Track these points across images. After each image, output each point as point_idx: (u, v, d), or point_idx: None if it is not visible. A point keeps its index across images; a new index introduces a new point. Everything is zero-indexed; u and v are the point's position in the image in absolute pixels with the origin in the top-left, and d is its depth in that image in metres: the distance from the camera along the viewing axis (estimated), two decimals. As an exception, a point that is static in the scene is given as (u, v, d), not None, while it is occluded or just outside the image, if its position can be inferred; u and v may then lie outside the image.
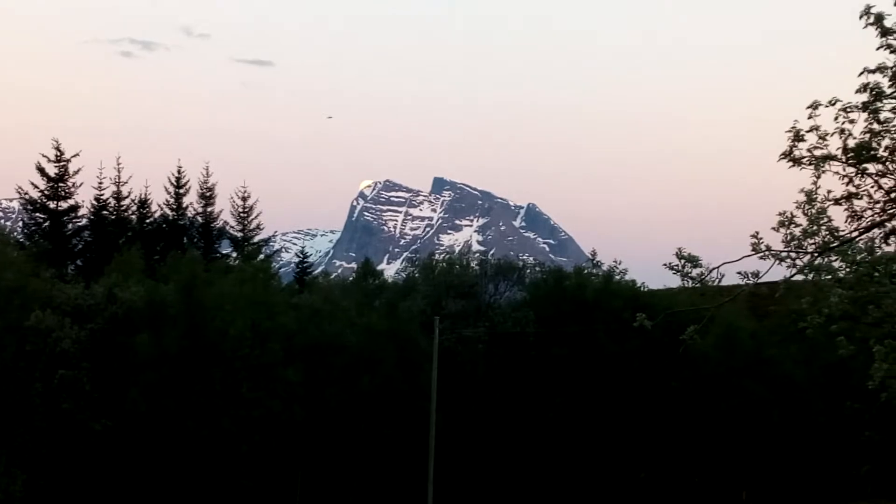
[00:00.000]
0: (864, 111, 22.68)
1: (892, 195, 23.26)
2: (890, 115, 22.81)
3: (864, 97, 22.74)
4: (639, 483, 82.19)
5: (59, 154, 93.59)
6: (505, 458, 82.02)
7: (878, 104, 22.69)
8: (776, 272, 23.43)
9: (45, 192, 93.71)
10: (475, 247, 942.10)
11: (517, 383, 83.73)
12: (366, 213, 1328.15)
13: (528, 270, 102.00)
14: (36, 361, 69.34)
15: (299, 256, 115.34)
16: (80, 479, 69.15)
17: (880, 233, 23.52)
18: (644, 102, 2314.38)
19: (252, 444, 71.24)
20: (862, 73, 22.79)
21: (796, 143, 23.08)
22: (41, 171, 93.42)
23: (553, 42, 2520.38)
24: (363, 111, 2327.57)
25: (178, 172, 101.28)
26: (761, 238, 23.01)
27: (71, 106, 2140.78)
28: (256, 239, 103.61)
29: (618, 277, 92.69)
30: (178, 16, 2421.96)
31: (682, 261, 23.47)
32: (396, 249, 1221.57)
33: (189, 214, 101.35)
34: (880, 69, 22.65)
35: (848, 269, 23.39)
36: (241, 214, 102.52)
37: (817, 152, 23.02)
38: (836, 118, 22.88)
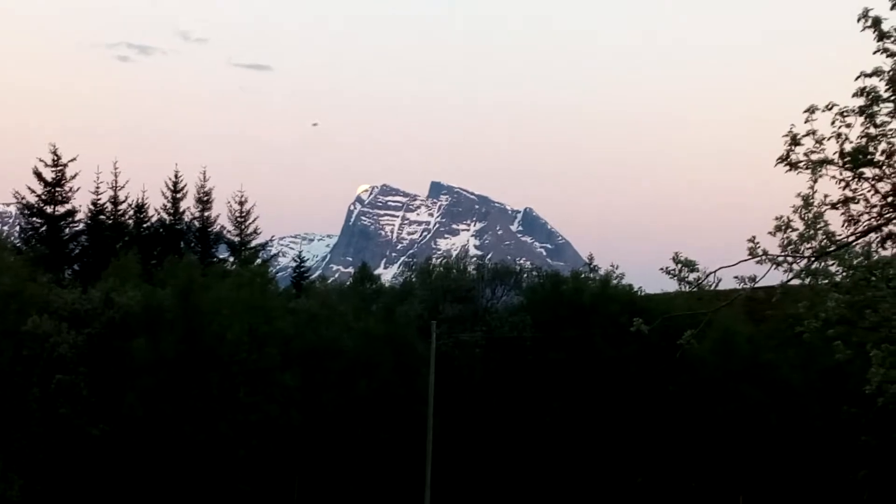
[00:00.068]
0: (860, 115, 22.70)
1: (889, 199, 23.28)
2: (886, 119, 22.84)
3: (861, 101, 22.77)
4: (636, 488, 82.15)
5: (56, 158, 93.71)
6: (502, 463, 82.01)
7: (875, 108, 22.71)
8: (773, 276, 23.48)
9: (42, 196, 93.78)
10: (472, 251, 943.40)
11: (514, 388, 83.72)
12: (363, 218, 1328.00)
13: (525, 275, 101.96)
14: (33, 366, 69.36)
15: (296, 261, 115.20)
16: (78, 483, 69.14)
17: (877, 237, 23.54)
18: (641, 106, 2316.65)
19: (249, 448, 71.20)
20: (859, 77, 22.82)
21: (793, 148, 23.11)
22: (38, 175, 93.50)
23: (550, 45, 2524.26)
24: (360, 116, 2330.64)
25: (176, 177, 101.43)
26: (758, 242, 23.04)
27: (68, 110, 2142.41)
28: (253, 243, 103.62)
29: (615, 282, 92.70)
30: (175, 20, 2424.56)
31: (679, 265, 23.50)
32: (393, 254, 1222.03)
33: (186, 219, 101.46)
34: (877, 73, 22.68)
35: (845, 274, 23.43)
36: (239, 219, 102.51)
37: (814, 156, 23.04)
38: (832, 122, 22.91)
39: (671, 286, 25.38)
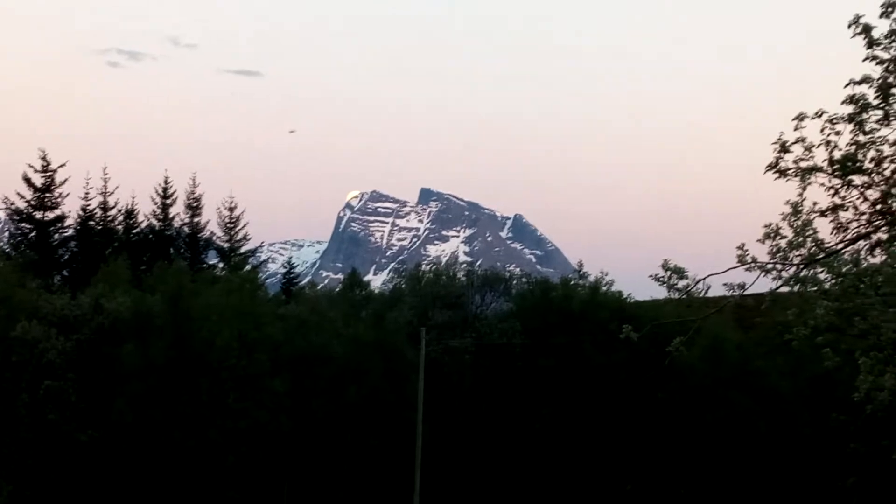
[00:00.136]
0: (850, 123, 22.77)
1: (878, 207, 23.33)
2: (875, 126, 22.90)
3: (851, 109, 22.84)
4: (625, 495, 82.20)
5: (45, 164, 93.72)
6: (491, 470, 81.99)
7: (864, 116, 22.77)
8: (762, 284, 23.52)
9: (32, 202, 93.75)
10: (462, 258, 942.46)
11: (504, 394, 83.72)
12: (353, 224, 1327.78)
13: (515, 281, 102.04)
14: (22, 372, 69.28)
15: (286, 267, 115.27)
16: (67, 490, 69.05)
17: (866, 245, 23.58)
18: (632, 113, 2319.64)
19: (239, 454, 71.16)
20: (848, 85, 22.89)
21: (782, 155, 23.16)
22: (27, 181, 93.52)
23: (539, 53, 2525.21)
24: (350, 122, 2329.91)
25: (165, 183, 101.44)
26: (747, 250, 23.09)
27: (58, 116, 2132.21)
28: (243, 249, 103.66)
29: (604, 289, 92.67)
30: (165, 26, 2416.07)
31: (669, 272, 23.56)
32: (383, 260, 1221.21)
33: (176, 225, 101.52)
34: (866, 80, 22.74)
35: (834, 281, 23.49)
36: (228, 225, 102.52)
37: (803, 164, 23.09)
38: (822, 130, 22.97)
39: (661, 293, 25.48)
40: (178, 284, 75.40)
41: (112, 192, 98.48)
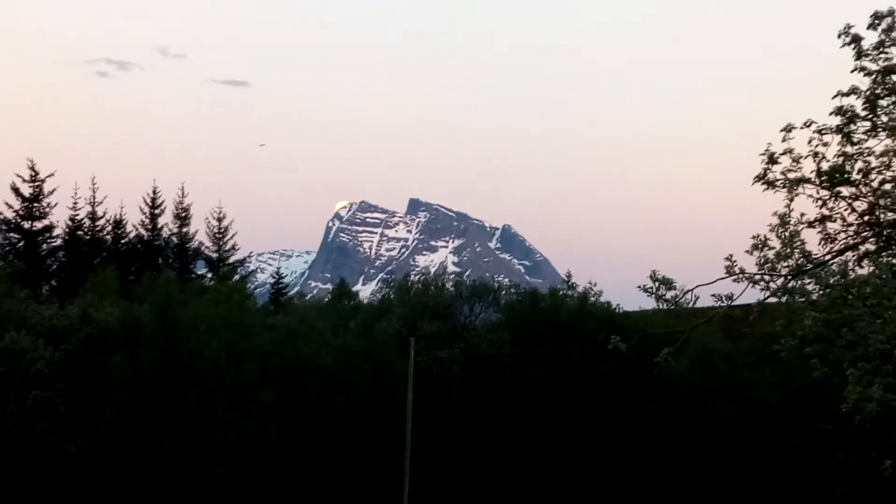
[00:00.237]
0: (837, 134, 22.85)
1: (866, 218, 23.42)
2: (863, 137, 22.99)
3: (838, 120, 22.92)
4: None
5: (33, 174, 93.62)
6: (480, 480, 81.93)
7: (852, 127, 22.86)
8: (750, 294, 23.54)
9: (20, 211, 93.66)
10: (451, 268, 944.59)
11: (492, 405, 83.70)
12: (341, 234, 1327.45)
13: (504, 292, 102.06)
14: (10, 382, 69.13)
15: (274, 277, 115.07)
16: (55, 501, 68.88)
17: (854, 255, 23.66)
18: (620, 125, 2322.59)
19: (227, 465, 71.04)
20: (836, 96, 22.97)
21: (770, 166, 23.23)
22: (16, 190, 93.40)
23: (528, 64, 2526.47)
24: (339, 132, 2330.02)
25: (154, 193, 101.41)
26: (735, 261, 23.12)
27: (46, 126, 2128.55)
28: (232, 259, 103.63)
29: (593, 299, 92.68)
30: (153, 36, 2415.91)
31: (657, 283, 23.55)
32: (372, 270, 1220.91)
33: (164, 235, 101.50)
34: (854, 92, 22.83)
35: (821, 292, 23.49)
36: (217, 235, 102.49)
37: (791, 175, 23.16)
38: (809, 141, 23.05)
39: (649, 304, 25.44)
40: (166, 295, 75.33)
41: (100, 202, 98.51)
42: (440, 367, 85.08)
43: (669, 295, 23.45)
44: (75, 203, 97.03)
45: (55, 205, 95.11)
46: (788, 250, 23.09)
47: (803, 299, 23.65)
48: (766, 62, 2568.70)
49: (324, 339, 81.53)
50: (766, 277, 23.23)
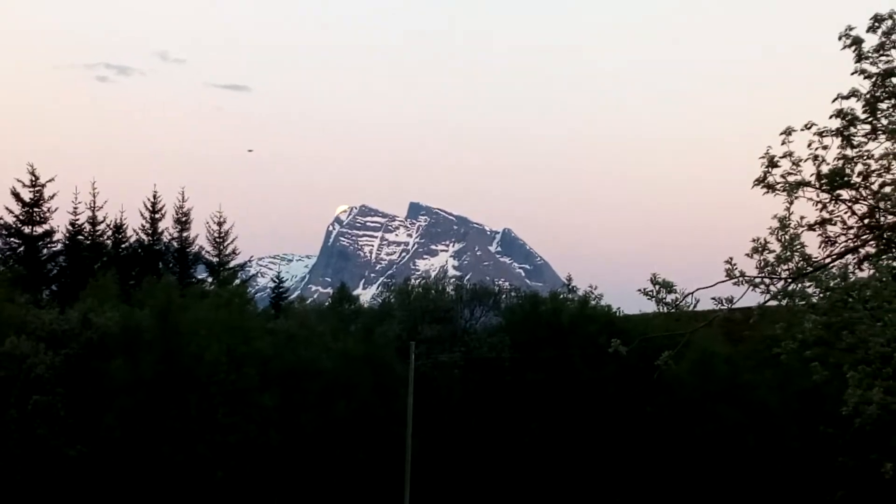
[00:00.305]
0: (837, 137, 22.83)
1: (866, 221, 23.42)
2: (863, 140, 22.97)
3: (838, 123, 22.91)
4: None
5: (34, 179, 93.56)
6: (481, 484, 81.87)
7: (852, 130, 22.85)
8: (750, 298, 23.54)
9: (20, 216, 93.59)
10: (451, 272, 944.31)
11: (493, 409, 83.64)
12: (342, 238, 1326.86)
13: (504, 295, 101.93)
14: (10, 387, 69.06)
15: (275, 281, 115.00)
16: (55, 505, 68.84)
17: (854, 259, 23.67)
18: (620, 128, 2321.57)
19: (228, 469, 70.97)
20: (836, 100, 22.96)
21: (770, 170, 23.22)
22: (16, 195, 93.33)
23: (528, 64, 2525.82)
24: (338, 136, 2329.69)
25: (154, 197, 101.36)
26: (735, 264, 23.11)
27: (46, 130, 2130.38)
28: (232, 264, 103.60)
29: (593, 303, 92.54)
30: (153, 41, 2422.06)
31: (657, 286, 23.53)
32: (372, 274, 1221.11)
33: (164, 239, 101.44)
34: (854, 94, 22.82)
35: (822, 295, 23.47)
36: (217, 239, 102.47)
37: (791, 178, 23.15)
38: (809, 144, 23.04)
39: (649, 307, 25.41)
40: (166, 299, 75.27)
41: (101, 207, 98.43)
42: (441, 370, 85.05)
43: (670, 298, 23.45)
44: (75, 208, 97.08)
45: (55, 209, 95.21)
46: (788, 253, 23.08)
47: (803, 302, 23.64)
48: (766, 62, 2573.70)
49: (324, 344, 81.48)
50: (767, 280, 23.23)
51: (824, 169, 23.17)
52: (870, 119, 22.95)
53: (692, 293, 23.28)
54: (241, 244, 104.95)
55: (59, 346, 72.55)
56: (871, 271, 23.27)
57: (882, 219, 23.33)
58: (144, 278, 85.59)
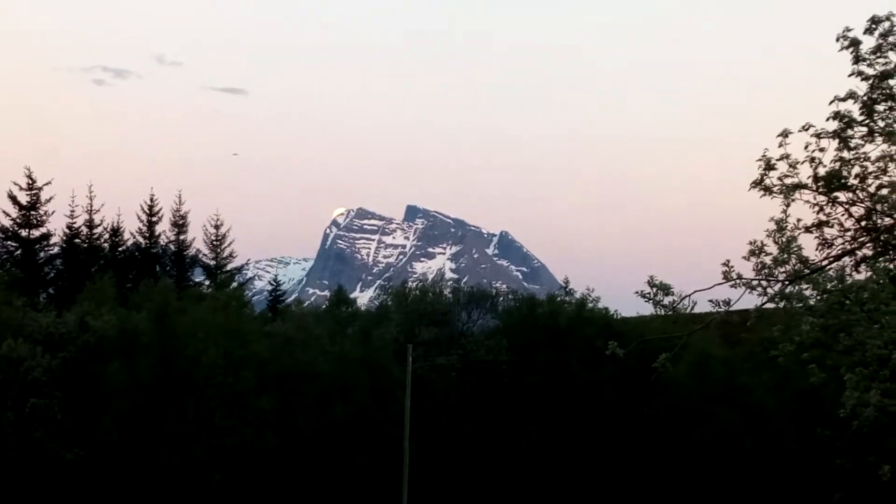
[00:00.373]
0: (834, 139, 22.81)
1: (863, 223, 23.40)
2: (860, 142, 22.96)
3: (835, 125, 22.90)
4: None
5: (30, 182, 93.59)
6: (478, 487, 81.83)
7: (849, 132, 22.84)
8: (748, 300, 23.54)
9: (17, 220, 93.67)
10: (448, 274, 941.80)
11: (490, 411, 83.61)
12: (339, 241, 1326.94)
13: (501, 298, 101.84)
14: (7, 390, 69.07)
15: (272, 284, 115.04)
16: (52, 508, 68.79)
17: (851, 261, 23.65)
18: (617, 130, 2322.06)
19: (225, 472, 70.93)
20: (833, 102, 22.94)
21: (767, 172, 23.21)
22: (13, 199, 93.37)
23: (528, 67, 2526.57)
24: (336, 139, 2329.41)
25: (151, 200, 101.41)
26: (732, 266, 23.11)
27: (43, 133, 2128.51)
28: (229, 267, 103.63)
29: (590, 305, 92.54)
30: (150, 44, 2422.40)
31: (654, 289, 23.53)
32: (369, 277, 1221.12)
33: (161, 242, 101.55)
34: (851, 96, 22.80)
35: (819, 298, 23.47)
36: (214, 242, 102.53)
37: (788, 181, 23.14)
38: (806, 146, 23.02)
39: (647, 309, 25.42)
40: (163, 302, 75.27)
41: (98, 210, 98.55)
42: (438, 373, 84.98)
43: (667, 300, 23.44)
44: (72, 211, 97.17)
45: (52, 213, 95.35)
46: (785, 256, 23.08)
47: (801, 304, 23.64)
48: (766, 62, 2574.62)
49: (321, 347, 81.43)
50: (764, 283, 23.22)
51: (821, 171, 23.17)
52: (866, 121, 22.94)
53: (689, 295, 23.29)
54: (238, 247, 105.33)
55: (57, 349, 72.53)
56: (868, 273, 23.29)
57: (879, 221, 23.32)
58: (141, 281, 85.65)
